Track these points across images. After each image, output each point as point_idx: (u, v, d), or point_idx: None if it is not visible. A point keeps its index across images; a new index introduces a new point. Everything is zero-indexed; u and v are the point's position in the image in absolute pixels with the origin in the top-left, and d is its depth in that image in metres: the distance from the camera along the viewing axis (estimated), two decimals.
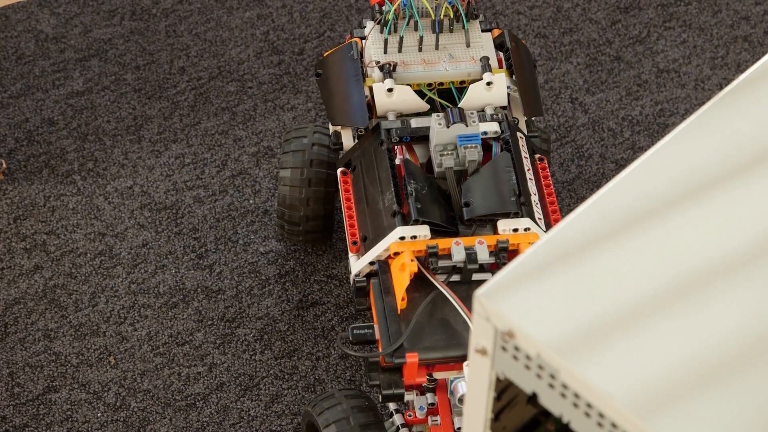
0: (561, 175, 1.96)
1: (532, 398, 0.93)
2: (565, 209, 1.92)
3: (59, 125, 2.02)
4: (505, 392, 0.98)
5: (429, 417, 1.52)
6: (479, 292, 0.91)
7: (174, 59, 2.03)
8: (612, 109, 2.04)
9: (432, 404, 1.50)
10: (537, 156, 1.64)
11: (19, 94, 2.02)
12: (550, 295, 0.93)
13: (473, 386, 0.98)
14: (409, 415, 1.54)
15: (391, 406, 1.57)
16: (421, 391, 1.51)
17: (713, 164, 1.03)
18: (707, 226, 1.00)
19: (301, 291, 1.82)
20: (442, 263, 1.50)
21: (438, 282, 1.51)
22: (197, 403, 1.72)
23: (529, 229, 1.52)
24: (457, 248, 1.51)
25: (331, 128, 1.67)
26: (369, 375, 1.54)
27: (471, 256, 1.51)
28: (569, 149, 2.01)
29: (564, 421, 0.92)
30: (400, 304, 1.50)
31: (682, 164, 1.04)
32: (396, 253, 1.53)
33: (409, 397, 1.51)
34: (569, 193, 1.93)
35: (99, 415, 1.75)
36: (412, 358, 1.46)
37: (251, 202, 1.92)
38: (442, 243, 1.51)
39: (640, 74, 2.09)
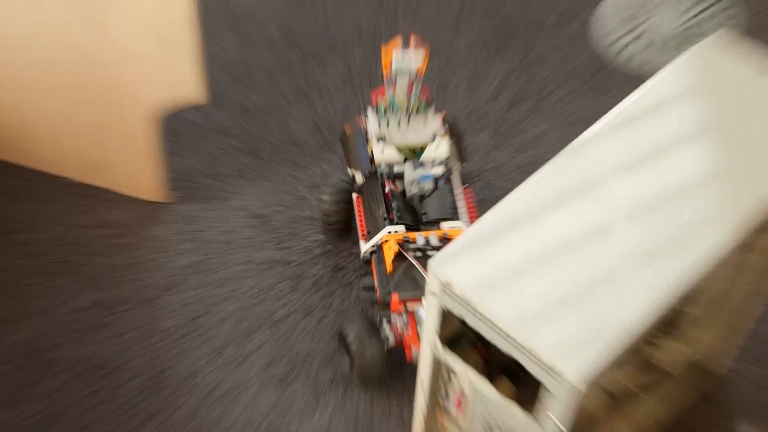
0: (477, 195, 1.98)
1: (461, 321, 1.23)
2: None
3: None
4: (445, 316, 1.27)
5: (404, 330, 1.68)
6: (432, 261, 1.22)
7: (272, 132, 2.12)
8: (507, 159, 2.09)
9: (406, 322, 1.67)
10: (464, 185, 1.78)
11: None
12: (470, 262, 1.21)
13: (428, 313, 1.29)
14: (393, 328, 1.70)
15: (386, 326, 1.71)
16: (399, 314, 1.68)
17: (563, 187, 1.29)
18: (563, 219, 1.26)
19: (335, 261, 1.94)
20: (411, 246, 1.66)
21: (409, 256, 1.66)
22: (281, 319, 1.85)
23: (459, 227, 1.68)
24: (420, 238, 1.66)
25: (349, 171, 1.81)
26: (371, 306, 1.76)
27: (427, 242, 1.66)
28: (481, 182, 2.05)
29: (476, 330, 1.22)
30: (389, 267, 1.65)
31: (547, 189, 1.30)
32: (386, 241, 1.67)
33: (393, 318, 1.68)
34: (483, 209, 1.81)
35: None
36: (395, 297, 1.63)
37: (308, 213, 2.01)
38: (411, 235, 1.66)
39: (525, 138, 2.13)
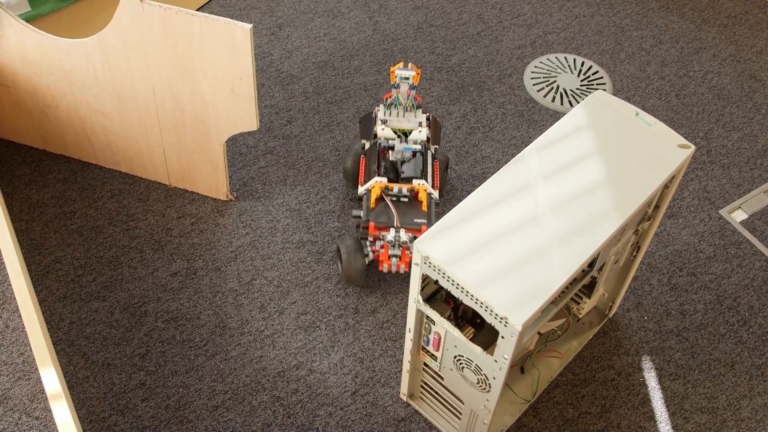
0: (446, 196, 2.00)
1: (436, 282, 1.24)
2: (455, 195, 1.99)
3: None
4: (425, 281, 1.29)
5: (380, 250, 1.72)
6: (416, 242, 1.21)
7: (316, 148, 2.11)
8: (466, 171, 2.09)
9: (381, 245, 1.72)
10: (435, 160, 1.82)
11: None
12: (443, 242, 1.22)
13: (413, 277, 1.27)
14: (372, 248, 1.73)
15: (368, 246, 1.73)
16: (376, 239, 1.72)
17: (506, 190, 1.29)
18: (507, 212, 1.26)
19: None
20: (390, 193, 1.73)
21: (387, 199, 1.72)
22: (309, 283, 1.82)
23: (423, 185, 1.73)
24: (396, 188, 1.72)
25: (362, 141, 1.86)
26: (357, 229, 1.77)
27: (400, 191, 1.73)
28: (448, 187, 2.02)
29: (448, 290, 1.22)
30: (372, 204, 1.72)
31: (495, 191, 1.30)
32: (373, 186, 1.73)
33: (372, 240, 1.71)
34: (451, 205, 1.97)
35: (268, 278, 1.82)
36: (371, 224, 1.70)
37: (329, 207, 1.99)
38: (390, 185, 1.72)
39: (479, 156, 2.10)
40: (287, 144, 2.11)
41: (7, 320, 1.51)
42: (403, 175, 1.74)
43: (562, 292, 1.35)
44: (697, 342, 1.76)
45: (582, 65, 2.35)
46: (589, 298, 1.57)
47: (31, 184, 1.96)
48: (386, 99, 1.82)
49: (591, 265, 1.39)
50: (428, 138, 1.82)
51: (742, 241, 1.97)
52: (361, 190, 1.75)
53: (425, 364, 1.45)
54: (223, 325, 1.74)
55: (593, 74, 2.34)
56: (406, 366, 1.49)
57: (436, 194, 1.76)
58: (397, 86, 1.79)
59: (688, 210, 2.04)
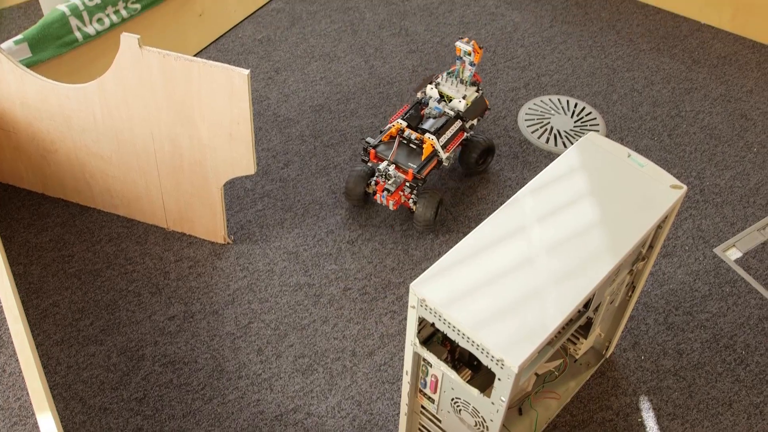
0: (441, 238, 2.03)
1: (432, 325, 1.27)
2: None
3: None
4: (422, 323, 1.30)
5: (379, 183, 1.92)
6: (412, 284, 1.21)
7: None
8: (462, 212, 2.09)
9: (380, 179, 1.92)
10: (462, 131, 2.01)
11: None
12: (439, 284, 1.23)
13: (410, 320, 1.27)
14: (376, 179, 1.95)
15: (375, 177, 1.93)
16: (378, 173, 1.92)
17: (501, 232, 1.30)
18: (502, 253, 1.29)
19: (344, 284, 1.94)
20: (404, 135, 1.94)
21: (397, 138, 1.94)
22: (306, 326, 1.82)
23: (432, 140, 1.93)
24: (408, 132, 1.95)
25: (416, 93, 2.11)
26: (363, 152, 1.95)
27: (410, 137, 1.95)
28: (444, 228, 2.06)
29: (444, 332, 1.23)
30: (385, 138, 1.95)
31: (490, 233, 1.30)
32: (393, 125, 1.97)
33: (378, 171, 1.91)
34: (446, 248, 2.00)
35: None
36: (372, 150, 1.91)
37: (326, 250, 1.99)
38: (407, 130, 1.96)
39: (475, 198, 2.13)
40: (284, 187, 2.13)
41: (3, 364, 1.52)
42: (420, 126, 1.95)
43: (559, 333, 1.36)
44: (695, 381, 1.76)
45: (575, 106, 2.40)
46: (586, 339, 1.58)
47: (29, 228, 1.98)
48: (452, 69, 2.05)
49: (587, 305, 1.40)
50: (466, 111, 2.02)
51: (737, 279, 1.99)
52: (387, 126, 1.97)
53: (423, 407, 1.45)
54: (220, 368, 1.74)
55: (586, 115, 2.38)
56: (403, 409, 1.48)
57: (443, 156, 1.94)
58: (462, 60, 1.99)
59: (683, 249, 2.06)
